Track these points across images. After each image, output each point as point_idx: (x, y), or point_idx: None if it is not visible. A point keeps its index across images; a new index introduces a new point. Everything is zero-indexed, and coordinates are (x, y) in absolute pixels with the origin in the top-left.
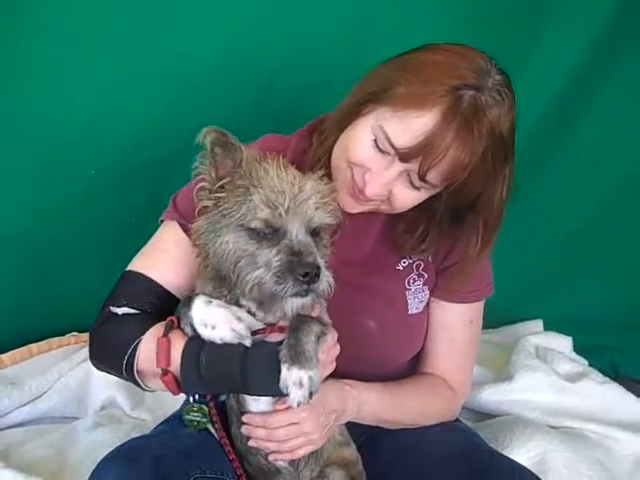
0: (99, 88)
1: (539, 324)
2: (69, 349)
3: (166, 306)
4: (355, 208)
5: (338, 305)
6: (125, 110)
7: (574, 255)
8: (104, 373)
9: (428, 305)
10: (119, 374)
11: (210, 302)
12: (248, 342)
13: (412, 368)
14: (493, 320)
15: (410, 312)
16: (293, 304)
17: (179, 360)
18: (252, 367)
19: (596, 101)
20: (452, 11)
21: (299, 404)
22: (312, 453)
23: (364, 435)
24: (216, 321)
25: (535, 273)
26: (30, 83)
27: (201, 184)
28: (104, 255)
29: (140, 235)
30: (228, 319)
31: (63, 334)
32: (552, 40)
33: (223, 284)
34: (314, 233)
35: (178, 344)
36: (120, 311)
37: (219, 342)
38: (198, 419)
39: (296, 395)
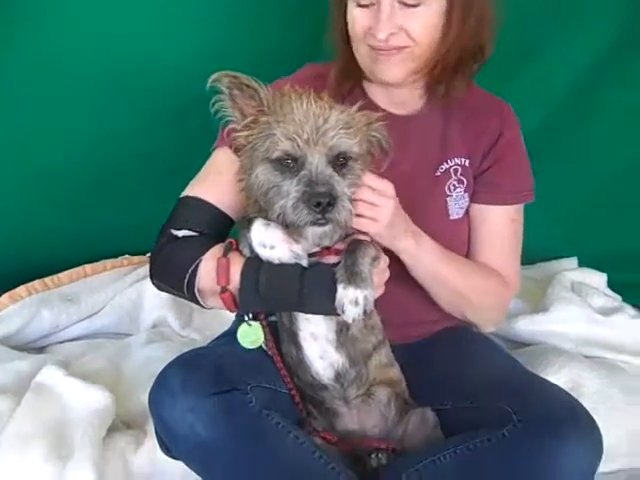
0: (159, 16)
1: (574, 262)
2: (122, 270)
3: (223, 227)
4: (393, 69)
5: None
6: (185, 40)
7: (609, 195)
8: (156, 293)
9: (468, 212)
10: (180, 292)
11: (268, 224)
12: (305, 262)
13: None
14: (529, 256)
15: (451, 217)
16: (313, 232)
17: (238, 278)
18: (309, 286)
19: None
20: None
21: (354, 320)
22: (357, 375)
23: (407, 356)
24: (275, 241)
25: (570, 211)
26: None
27: (230, 126)
28: (157, 182)
29: (194, 165)
30: (286, 240)
31: (116, 256)
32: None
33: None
34: (339, 163)
35: (237, 264)
36: (180, 234)
37: (277, 262)
38: (253, 337)
39: (351, 312)
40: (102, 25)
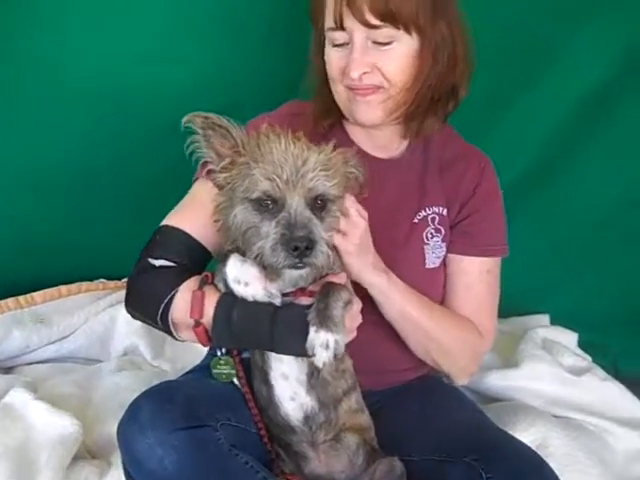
0: (154, 37)
1: (545, 319)
2: (96, 294)
3: (201, 259)
4: (369, 110)
5: None
6: (181, 58)
7: (585, 252)
8: (129, 320)
9: (444, 263)
10: (154, 323)
11: (245, 261)
12: (278, 301)
13: None
14: (502, 311)
15: (427, 266)
16: (290, 275)
17: (212, 313)
18: (281, 326)
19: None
20: None
21: (324, 364)
22: (326, 419)
23: (377, 404)
24: (249, 279)
25: (544, 267)
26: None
27: (209, 167)
28: (137, 208)
29: (177, 190)
30: (261, 278)
31: (91, 279)
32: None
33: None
34: (318, 205)
35: (212, 298)
36: (157, 263)
37: (251, 299)
38: (226, 371)
39: (322, 356)
40: (101, 43)
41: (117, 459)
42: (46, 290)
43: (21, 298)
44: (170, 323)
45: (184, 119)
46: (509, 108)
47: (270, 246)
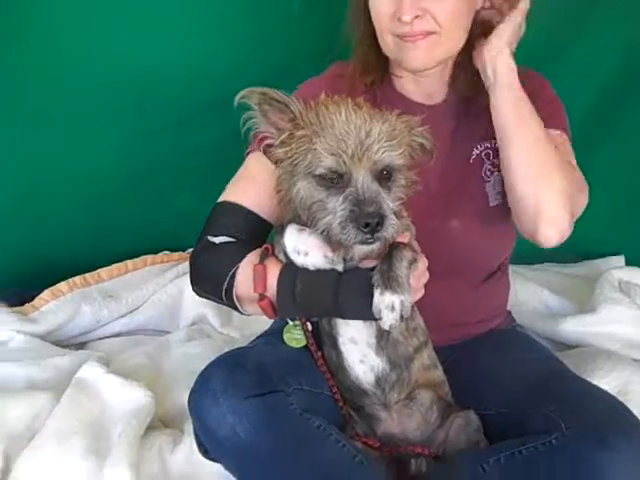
0: (196, 17)
1: (621, 260)
2: (162, 267)
3: (261, 232)
4: (420, 55)
5: (420, 210)
6: (218, 39)
7: None
8: None
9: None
10: (219, 300)
11: (302, 230)
12: (340, 267)
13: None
14: (575, 254)
15: (491, 204)
16: (359, 250)
17: (275, 286)
18: (345, 292)
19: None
20: None
21: (391, 327)
22: (398, 378)
23: (450, 358)
24: (309, 248)
25: (618, 208)
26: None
27: (266, 142)
28: (197, 179)
29: (231, 161)
30: (320, 246)
31: (155, 253)
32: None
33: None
34: (384, 177)
35: (274, 270)
36: (217, 240)
37: (312, 268)
38: (298, 337)
39: (388, 318)
40: (115, 28)
41: (190, 427)
42: (112, 266)
43: (88, 276)
44: (235, 299)
45: (239, 95)
46: (563, 59)
47: (339, 222)
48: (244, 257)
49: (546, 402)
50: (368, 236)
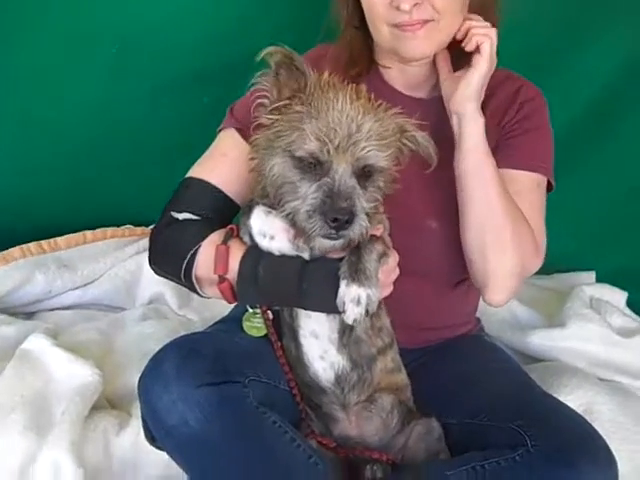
0: None
1: (592, 276)
2: (122, 241)
3: (227, 211)
4: (420, 44)
5: (398, 207)
6: (196, 12)
7: (630, 209)
8: None
9: None
10: (177, 279)
11: (270, 212)
12: (306, 255)
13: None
14: (545, 267)
15: None
16: (320, 243)
17: (237, 268)
18: (309, 281)
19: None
20: None
21: (355, 321)
22: (359, 379)
23: (415, 362)
24: (275, 232)
25: (591, 224)
26: None
27: (260, 100)
28: (167, 154)
29: (203, 137)
30: (287, 230)
31: (118, 226)
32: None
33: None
34: (364, 175)
35: (237, 252)
36: (181, 216)
37: (277, 253)
38: (259, 325)
39: (352, 312)
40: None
41: (137, 410)
42: (70, 235)
43: (44, 243)
44: (194, 279)
45: (265, 50)
46: (551, 75)
47: (306, 210)
48: (207, 236)
49: (512, 416)
50: (333, 232)
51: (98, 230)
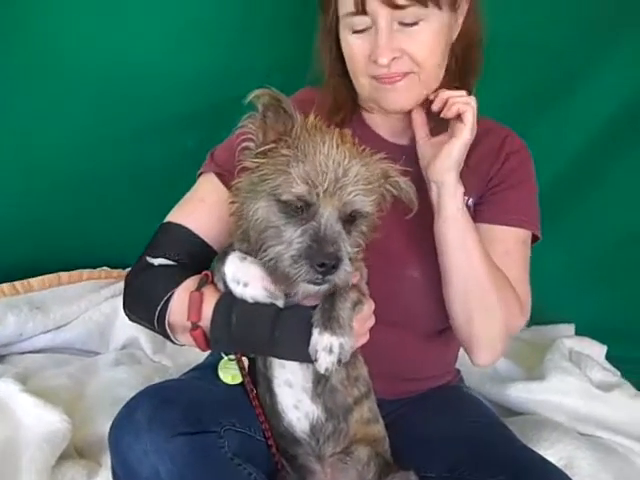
0: (158, 30)
1: (571, 328)
2: (98, 283)
3: (203, 257)
4: (400, 97)
5: (379, 256)
6: (182, 54)
7: (613, 262)
8: None
9: None
10: (150, 326)
11: (245, 258)
12: (280, 303)
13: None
14: None
15: None
16: (305, 289)
17: (210, 315)
18: (282, 328)
19: None
20: None
21: (327, 370)
22: (335, 430)
23: (393, 413)
24: (249, 279)
25: (571, 276)
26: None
27: (245, 144)
28: (146, 197)
29: (185, 180)
30: (261, 277)
31: (94, 268)
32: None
33: (251, 248)
34: (349, 220)
35: (210, 299)
36: (156, 262)
37: (251, 301)
38: (234, 373)
39: (324, 361)
40: (106, 28)
41: (107, 460)
42: (45, 276)
43: (17, 284)
44: (167, 326)
45: (254, 93)
46: (537, 125)
47: (291, 255)
48: (181, 282)
49: (493, 470)
50: (319, 277)
51: (74, 272)
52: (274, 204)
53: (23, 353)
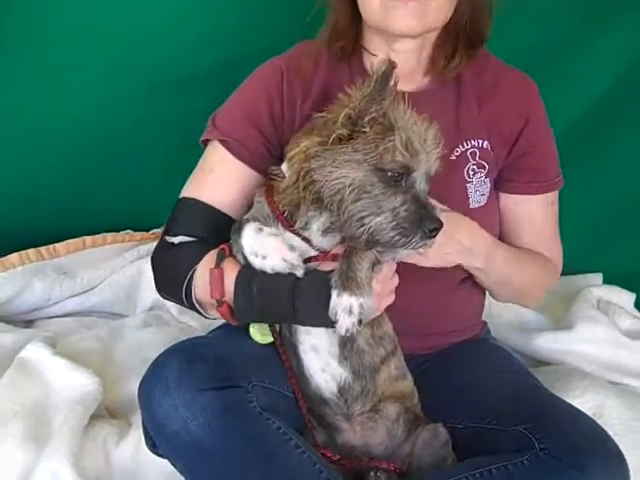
0: None
1: (599, 278)
2: (122, 246)
3: (223, 227)
4: (410, 18)
5: None
6: (197, 11)
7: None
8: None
9: (492, 199)
10: (182, 304)
11: (261, 230)
12: (300, 272)
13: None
14: None
15: (472, 206)
16: (404, 254)
17: (232, 290)
18: (302, 296)
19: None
20: None
21: (347, 331)
22: (362, 390)
23: (421, 367)
24: (267, 250)
25: (598, 225)
26: None
27: (347, 111)
28: (167, 156)
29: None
30: (279, 248)
31: (117, 231)
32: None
33: (298, 211)
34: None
35: (231, 273)
36: (176, 240)
37: (270, 272)
38: (265, 332)
39: (344, 322)
40: None
41: (138, 419)
42: (69, 241)
43: (43, 249)
44: (195, 303)
45: (382, 62)
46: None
47: (399, 224)
48: (202, 258)
49: (521, 419)
50: (428, 241)
51: (98, 236)
52: (371, 174)
53: (51, 317)
